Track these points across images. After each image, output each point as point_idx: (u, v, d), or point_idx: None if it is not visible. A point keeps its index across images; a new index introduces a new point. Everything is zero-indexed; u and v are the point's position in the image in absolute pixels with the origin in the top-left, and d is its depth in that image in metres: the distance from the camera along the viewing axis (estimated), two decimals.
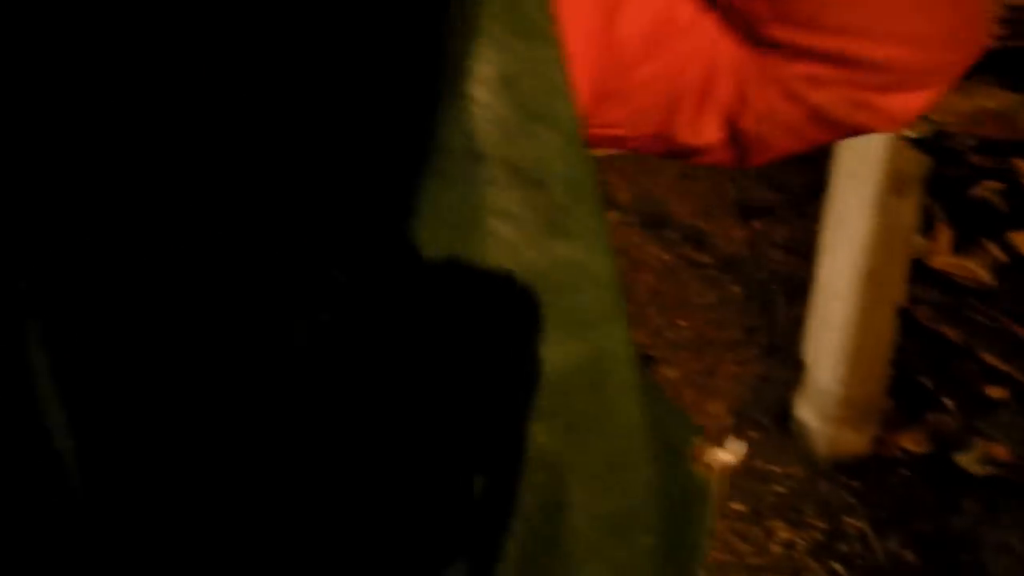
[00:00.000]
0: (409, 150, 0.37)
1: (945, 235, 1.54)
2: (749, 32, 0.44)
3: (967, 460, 1.72)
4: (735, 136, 0.48)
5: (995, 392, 1.57)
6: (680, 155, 0.53)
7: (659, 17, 0.46)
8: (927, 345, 1.68)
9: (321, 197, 0.36)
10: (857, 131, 0.46)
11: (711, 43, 0.46)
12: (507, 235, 0.39)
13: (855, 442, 1.90)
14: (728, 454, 0.53)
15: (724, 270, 2.59)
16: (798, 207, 2.76)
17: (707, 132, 0.48)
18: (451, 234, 0.38)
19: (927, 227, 1.56)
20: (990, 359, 1.52)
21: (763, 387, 2.19)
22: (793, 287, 2.45)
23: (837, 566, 1.77)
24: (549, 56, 0.39)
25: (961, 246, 1.54)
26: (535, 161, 0.39)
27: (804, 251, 2.54)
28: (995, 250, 1.48)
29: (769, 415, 2.10)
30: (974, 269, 1.48)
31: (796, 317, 2.27)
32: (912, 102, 0.44)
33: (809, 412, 1.95)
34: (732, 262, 2.61)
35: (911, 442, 1.85)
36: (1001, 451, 1.60)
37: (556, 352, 0.40)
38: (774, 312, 2.41)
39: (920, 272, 1.63)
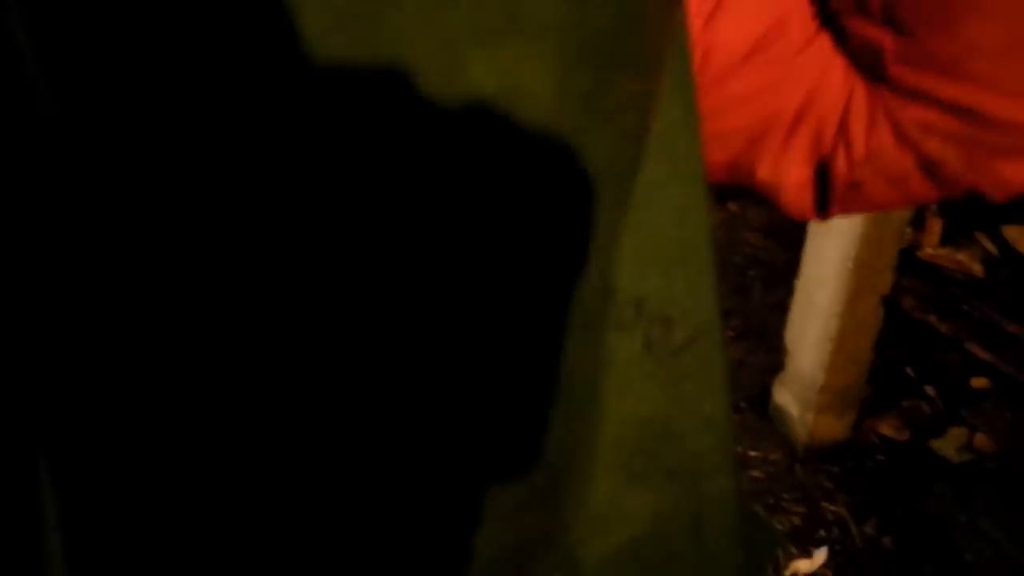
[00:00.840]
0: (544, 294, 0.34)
1: (936, 226, 1.54)
2: (870, 66, 0.41)
3: (944, 446, 1.74)
4: (823, 178, 0.44)
5: (979, 383, 1.59)
6: (747, 189, 0.48)
7: (771, 28, 0.41)
8: (912, 334, 1.69)
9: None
10: (963, 192, 0.43)
11: (820, 68, 0.42)
12: (624, 375, 0.37)
13: (834, 428, 1.91)
14: (809, 565, 0.52)
15: None
16: None
17: (792, 168, 0.44)
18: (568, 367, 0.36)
19: (918, 218, 1.56)
20: (975, 350, 1.53)
21: (739, 371, 2.19)
22: (770, 271, 2.45)
23: (815, 551, 1.79)
24: (696, 197, 0.36)
25: (952, 238, 1.54)
26: (663, 297, 0.37)
27: (781, 235, 2.54)
28: (987, 243, 1.48)
29: (746, 399, 2.10)
30: (964, 261, 1.48)
31: (772, 302, 2.27)
32: None
33: (788, 398, 1.96)
34: None
35: (888, 428, 1.87)
36: (984, 440, 1.62)
37: (655, 498, 0.39)
38: (750, 296, 2.41)
39: (909, 263, 1.63)
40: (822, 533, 1.83)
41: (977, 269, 1.53)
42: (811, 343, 1.84)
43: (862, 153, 0.42)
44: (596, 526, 0.39)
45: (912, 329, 1.67)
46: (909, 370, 1.74)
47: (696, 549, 0.42)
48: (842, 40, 0.41)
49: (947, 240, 1.56)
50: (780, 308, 1.99)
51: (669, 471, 0.39)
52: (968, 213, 1.54)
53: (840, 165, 0.43)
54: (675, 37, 0.34)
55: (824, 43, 0.42)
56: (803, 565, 0.47)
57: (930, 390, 1.71)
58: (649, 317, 0.37)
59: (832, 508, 1.86)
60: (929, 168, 0.41)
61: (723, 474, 0.41)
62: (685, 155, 0.36)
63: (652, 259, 0.36)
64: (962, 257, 1.49)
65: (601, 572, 0.39)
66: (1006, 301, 1.55)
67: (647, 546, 0.40)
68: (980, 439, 1.63)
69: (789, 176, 0.44)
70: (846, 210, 0.45)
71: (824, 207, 0.45)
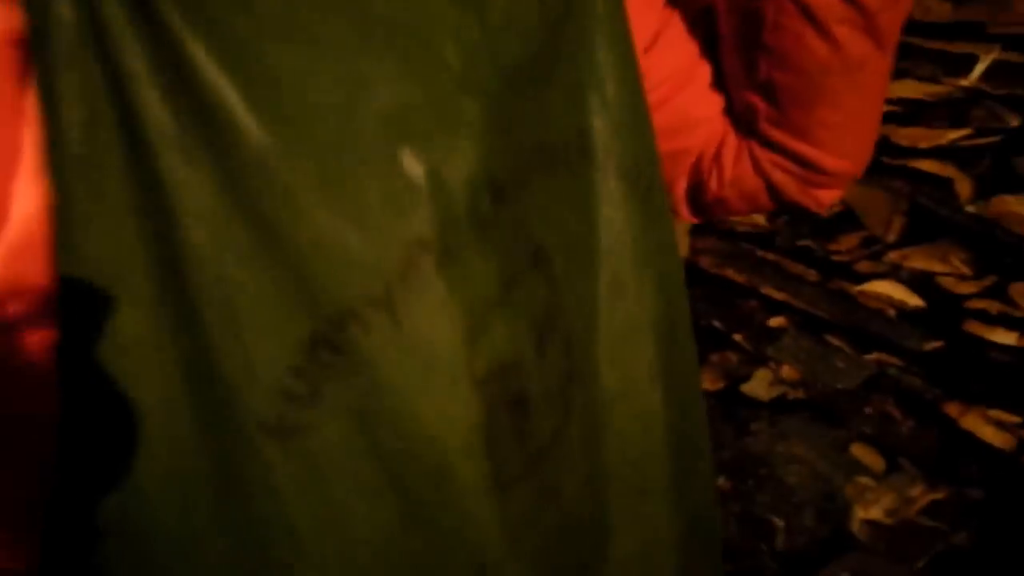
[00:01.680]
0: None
1: None
2: (746, 122, 0.56)
3: (755, 387, 1.93)
4: (696, 191, 0.59)
5: (777, 321, 1.78)
6: None
7: (684, 63, 0.55)
8: (714, 290, 1.86)
9: None
10: (793, 206, 0.60)
11: (713, 115, 0.56)
12: (614, 219, 0.45)
13: None
14: None
15: None
16: None
17: (679, 180, 0.59)
18: (573, 217, 0.43)
19: None
20: (770, 292, 1.72)
21: None
22: None
23: None
24: (636, 78, 0.47)
25: None
26: (633, 158, 0.45)
27: None
28: None
29: None
30: (750, 216, 1.66)
31: None
32: (832, 196, 0.60)
33: None
34: None
35: (705, 382, 2.03)
36: (788, 371, 1.81)
37: (662, 390, 0.49)
38: None
39: (701, 225, 1.80)
40: None
41: (761, 220, 1.72)
42: None
43: (728, 177, 0.57)
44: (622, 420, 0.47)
45: (713, 285, 1.85)
46: (716, 323, 1.92)
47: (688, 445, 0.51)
48: (733, 100, 0.56)
49: None
50: None
51: (673, 371, 0.49)
52: None
53: (712, 185, 0.58)
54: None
55: (720, 97, 0.57)
56: None
57: (737, 337, 1.90)
58: (623, 172, 0.45)
59: None
60: (773, 191, 0.58)
61: (682, 293, 0.53)
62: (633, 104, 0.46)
63: (618, 128, 0.45)
64: None
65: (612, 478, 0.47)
66: (788, 246, 1.76)
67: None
68: (784, 371, 1.83)
69: (676, 185, 0.60)
70: (712, 216, 0.63)
71: (698, 214, 0.62)
